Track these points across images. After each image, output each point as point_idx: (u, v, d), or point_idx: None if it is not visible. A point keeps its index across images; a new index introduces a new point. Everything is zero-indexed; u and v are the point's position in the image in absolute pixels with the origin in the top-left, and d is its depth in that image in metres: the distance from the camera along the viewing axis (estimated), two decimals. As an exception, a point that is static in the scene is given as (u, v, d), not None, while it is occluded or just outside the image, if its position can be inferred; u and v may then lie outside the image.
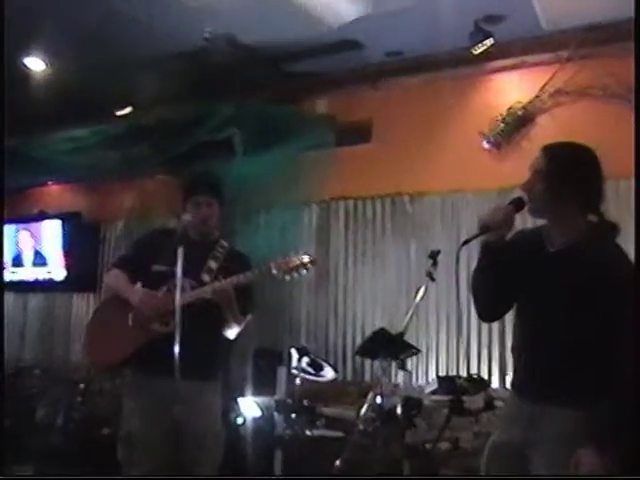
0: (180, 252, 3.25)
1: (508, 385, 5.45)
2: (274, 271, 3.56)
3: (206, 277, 3.65)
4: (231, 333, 3.66)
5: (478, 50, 5.59)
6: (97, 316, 3.93)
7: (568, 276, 2.58)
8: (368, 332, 5.98)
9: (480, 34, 5.50)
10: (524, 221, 2.99)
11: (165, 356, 3.07)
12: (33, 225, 8.36)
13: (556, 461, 2.46)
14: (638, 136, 3.50)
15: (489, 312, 2.90)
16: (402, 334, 3.08)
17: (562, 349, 2.56)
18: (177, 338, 3.05)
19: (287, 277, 3.57)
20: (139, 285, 3.68)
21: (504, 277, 2.68)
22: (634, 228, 3.06)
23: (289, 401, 5.06)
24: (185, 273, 3.37)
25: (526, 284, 2.69)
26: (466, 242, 2.71)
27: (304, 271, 3.60)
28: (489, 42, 5.52)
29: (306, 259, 3.60)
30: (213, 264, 3.70)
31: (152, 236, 4.02)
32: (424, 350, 5.88)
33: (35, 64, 6.32)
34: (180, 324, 3.18)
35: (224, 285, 3.51)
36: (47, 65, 6.35)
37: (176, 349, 3.04)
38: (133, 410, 3.55)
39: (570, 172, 2.64)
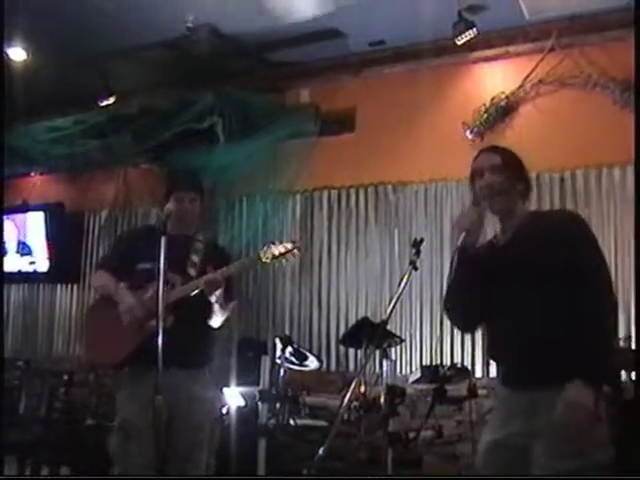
0: (163, 241, 3.24)
1: (493, 374, 5.50)
2: (264, 259, 3.67)
3: (192, 271, 3.70)
4: (216, 321, 3.71)
5: (461, 40, 5.59)
6: (92, 317, 3.96)
7: (525, 256, 2.66)
8: (352, 321, 6.01)
9: (463, 24, 5.49)
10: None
11: (162, 349, 3.10)
12: (16, 216, 8.30)
13: (558, 448, 2.46)
14: (638, 137, 3.53)
15: (471, 322, 2.96)
16: (385, 323, 3.08)
17: (544, 329, 2.59)
18: (160, 331, 3.05)
19: (275, 262, 3.71)
20: (122, 285, 3.68)
21: (478, 284, 2.74)
22: (634, 226, 3.13)
23: (273, 391, 5.08)
24: (171, 268, 3.39)
25: (490, 285, 2.73)
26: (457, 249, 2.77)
27: (291, 257, 3.73)
28: (472, 32, 5.52)
29: (291, 245, 3.72)
30: (196, 258, 3.75)
31: (134, 234, 4.15)
32: (407, 339, 5.91)
33: (17, 54, 6.27)
34: (175, 317, 3.36)
35: (217, 276, 3.56)
36: (29, 55, 6.30)
37: (159, 341, 3.05)
38: (130, 402, 3.56)
39: (515, 168, 2.81)
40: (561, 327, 2.56)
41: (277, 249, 3.68)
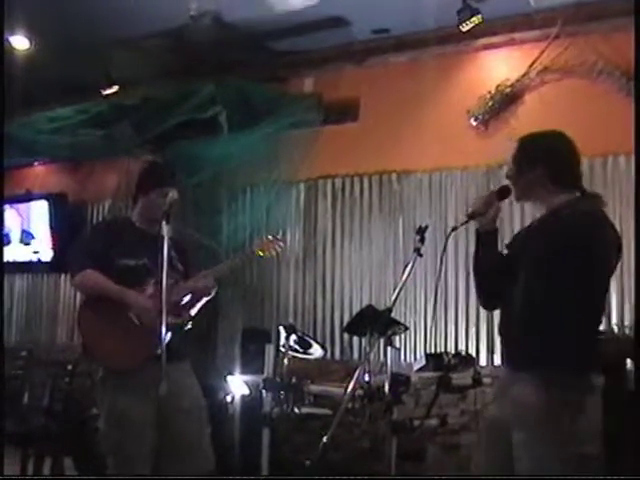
0: (166, 230, 3.24)
1: (497, 362, 5.49)
2: (259, 253, 3.88)
3: (179, 265, 3.66)
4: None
5: (466, 27, 5.57)
6: (91, 320, 3.66)
7: (543, 239, 2.69)
8: (356, 309, 6.00)
9: (468, 11, 5.47)
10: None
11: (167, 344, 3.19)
12: (19, 205, 8.30)
13: (544, 426, 2.51)
14: (638, 128, 3.54)
15: (487, 299, 3.04)
16: (390, 311, 3.07)
17: (550, 312, 2.61)
18: (163, 326, 3.13)
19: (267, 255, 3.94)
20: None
21: (502, 266, 2.83)
22: (634, 218, 3.18)
23: (277, 379, 5.06)
24: (158, 264, 3.29)
25: (514, 262, 2.77)
26: (455, 229, 2.91)
27: (278, 248, 3.95)
28: (477, 19, 5.50)
29: (275, 238, 3.97)
30: (172, 252, 3.57)
31: (109, 227, 3.98)
32: (412, 327, 5.89)
33: (19, 42, 6.25)
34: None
35: (226, 268, 3.76)
36: (31, 43, 6.28)
37: (166, 337, 3.14)
38: (128, 396, 3.51)
39: (529, 155, 2.82)
40: (556, 317, 2.60)
41: (266, 242, 3.90)
